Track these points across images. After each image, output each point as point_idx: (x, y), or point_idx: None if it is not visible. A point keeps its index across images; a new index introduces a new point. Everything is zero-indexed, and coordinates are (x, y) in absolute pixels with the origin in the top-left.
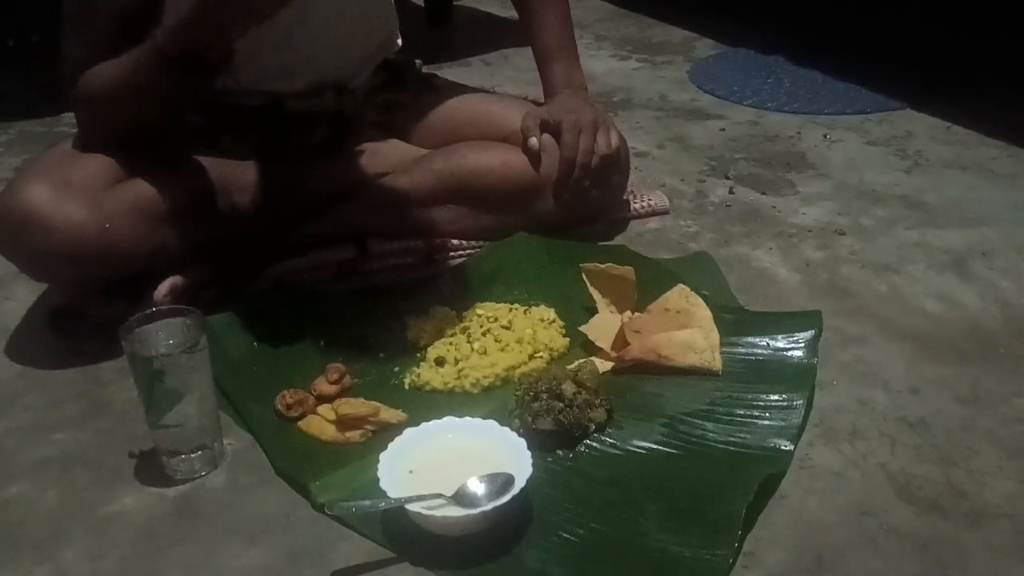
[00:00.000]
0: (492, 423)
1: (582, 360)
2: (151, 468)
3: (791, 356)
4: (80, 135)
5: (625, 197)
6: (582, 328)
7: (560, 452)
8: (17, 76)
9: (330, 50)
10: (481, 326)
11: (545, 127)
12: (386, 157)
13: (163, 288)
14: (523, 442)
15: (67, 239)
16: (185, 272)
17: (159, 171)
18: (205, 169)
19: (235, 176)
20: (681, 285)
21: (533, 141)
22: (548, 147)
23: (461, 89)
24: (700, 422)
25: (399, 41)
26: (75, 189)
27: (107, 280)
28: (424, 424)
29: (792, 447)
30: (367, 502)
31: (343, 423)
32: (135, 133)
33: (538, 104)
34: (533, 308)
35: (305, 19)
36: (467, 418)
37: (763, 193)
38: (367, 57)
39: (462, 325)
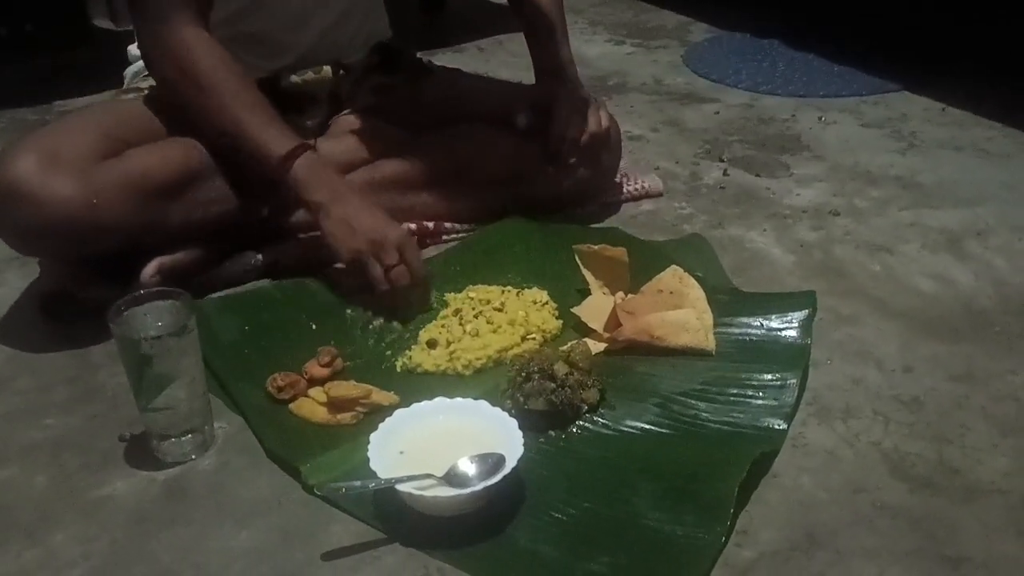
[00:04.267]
0: (483, 403)
1: (575, 341)
2: (141, 452)
3: (785, 336)
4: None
5: (618, 180)
6: (575, 309)
7: (552, 433)
8: (10, 64)
9: (329, 20)
10: (473, 308)
11: (536, 105)
12: (379, 140)
13: (150, 269)
14: (514, 422)
15: (54, 213)
16: (174, 252)
17: (150, 147)
18: (197, 148)
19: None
20: (674, 266)
21: (522, 119)
22: (539, 127)
23: (454, 73)
24: (693, 402)
25: (389, 31)
26: (63, 162)
27: (95, 256)
28: (415, 405)
29: (785, 426)
30: (358, 483)
31: (334, 405)
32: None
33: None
34: (526, 290)
35: None
36: (458, 399)
37: (757, 175)
38: (362, 32)
39: (454, 307)
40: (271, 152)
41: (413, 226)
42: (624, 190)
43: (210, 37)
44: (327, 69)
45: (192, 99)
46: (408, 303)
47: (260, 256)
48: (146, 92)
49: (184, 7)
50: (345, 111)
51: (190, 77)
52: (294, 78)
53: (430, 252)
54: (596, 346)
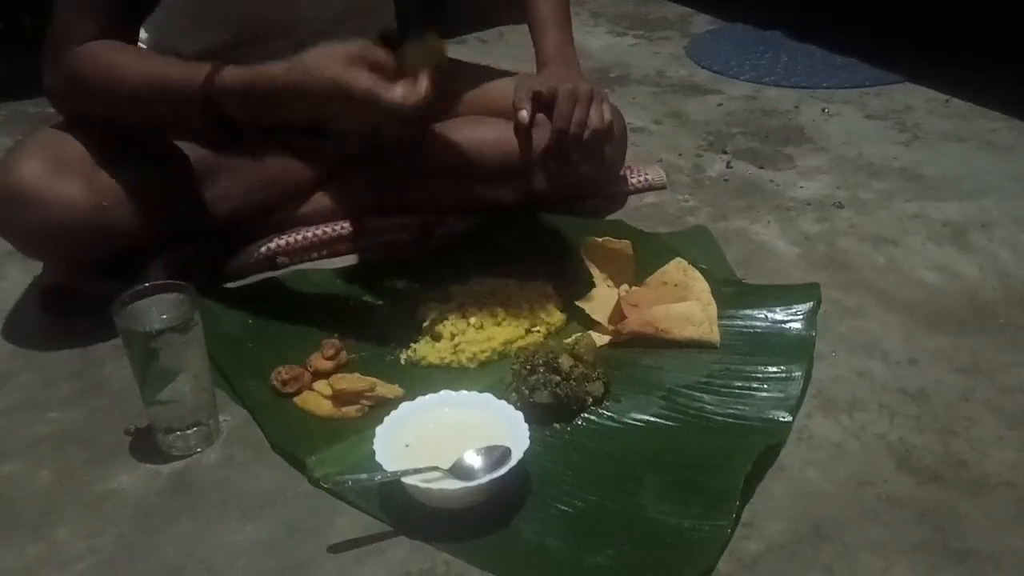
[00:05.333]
0: (489, 396)
1: (579, 334)
2: (146, 445)
3: (789, 328)
4: (58, 108)
5: (622, 172)
6: (579, 302)
7: (558, 425)
8: (8, 58)
9: (329, 28)
10: (477, 301)
11: (538, 97)
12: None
13: (157, 265)
14: (520, 415)
15: (62, 217)
16: (179, 251)
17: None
18: (195, 149)
19: (226, 157)
20: (679, 258)
21: (523, 115)
22: (541, 121)
23: (455, 64)
24: (698, 394)
25: (394, 22)
26: (70, 166)
27: (100, 257)
28: (420, 398)
29: (791, 418)
30: (363, 476)
31: (339, 398)
32: (120, 125)
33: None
34: (530, 283)
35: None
36: (463, 391)
37: (761, 167)
38: (368, 36)
39: (458, 300)
40: (192, 80)
41: (416, 218)
42: (628, 183)
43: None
44: None
45: (108, 98)
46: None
47: (264, 249)
48: None
49: (97, 36)
50: None
51: (92, 73)
52: None
53: (434, 245)
54: (601, 339)
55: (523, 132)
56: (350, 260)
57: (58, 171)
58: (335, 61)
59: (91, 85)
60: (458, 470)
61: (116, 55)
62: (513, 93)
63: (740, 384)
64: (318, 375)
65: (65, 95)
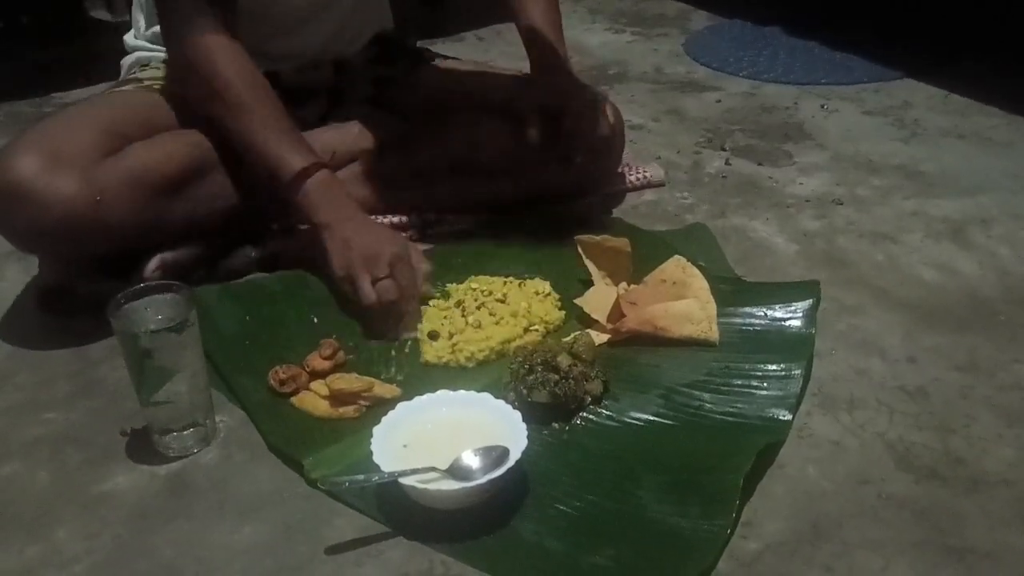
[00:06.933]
0: (487, 396)
1: (578, 332)
2: (143, 446)
3: (789, 326)
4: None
5: (620, 170)
6: (577, 300)
7: (556, 425)
8: (7, 56)
9: (332, 24)
10: (475, 299)
11: (545, 112)
12: (379, 131)
13: (152, 264)
14: (518, 415)
15: (58, 212)
16: (176, 249)
17: (153, 142)
18: (199, 143)
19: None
20: (677, 256)
21: (533, 133)
22: (546, 129)
23: (453, 62)
24: (697, 393)
25: (391, 18)
26: (66, 161)
27: (97, 255)
28: (418, 398)
29: (790, 417)
30: (361, 477)
31: (336, 398)
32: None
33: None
34: (528, 281)
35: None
36: (461, 391)
37: (760, 164)
38: (365, 31)
39: (456, 299)
40: (283, 170)
41: (405, 218)
42: (627, 180)
43: (232, 43)
44: (327, 63)
45: (212, 110)
46: (395, 321)
47: (259, 250)
48: (144, 83)
49: (207, 12)
50: (345, 102)
51: (209, 88)
52: (294, 74)
53: (432, 243)
54: (599, 337)
55: (534, 149)
56: None
57: (54, 166)
58: (356, 252)
59: (203, 103)
60: (456, 470)
61: (229, 82)
62: (520, 105)
63: (739, 382)
64: (315, 375)
65: (178, 83)
